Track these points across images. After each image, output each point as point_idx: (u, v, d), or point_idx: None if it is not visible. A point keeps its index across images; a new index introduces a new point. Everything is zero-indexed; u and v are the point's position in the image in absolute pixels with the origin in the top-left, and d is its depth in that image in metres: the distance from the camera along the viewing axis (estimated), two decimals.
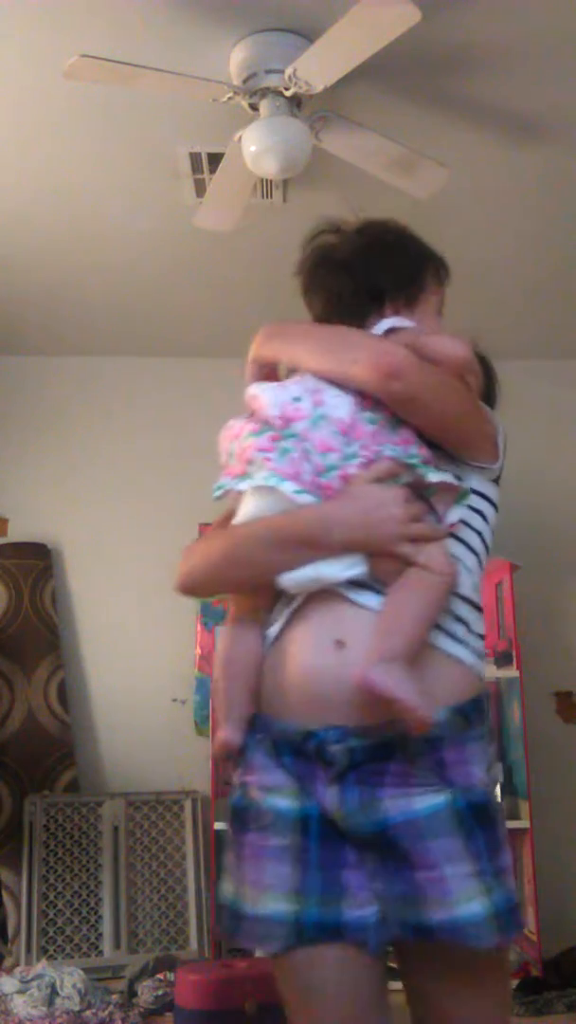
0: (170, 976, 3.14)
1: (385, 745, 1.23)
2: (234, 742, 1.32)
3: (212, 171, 3.07)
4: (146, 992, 3.12)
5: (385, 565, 1.27)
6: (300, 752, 1.26)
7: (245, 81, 2.65)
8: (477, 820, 1.22)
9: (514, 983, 3.30)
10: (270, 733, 1.30)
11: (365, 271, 1.47)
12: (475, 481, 1.44)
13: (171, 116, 2.94)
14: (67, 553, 4.29)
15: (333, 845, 1.25)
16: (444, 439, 1.39)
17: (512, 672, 3.75)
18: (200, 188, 3.24)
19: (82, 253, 3.71)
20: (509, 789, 3.73)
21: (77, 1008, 2.98)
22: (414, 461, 1.31)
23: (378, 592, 1.27)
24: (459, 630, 1.30)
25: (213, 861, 3.65)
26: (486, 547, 1.46)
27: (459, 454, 1.42)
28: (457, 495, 1.37)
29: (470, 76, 2.76)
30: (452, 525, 1.35)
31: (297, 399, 1.34)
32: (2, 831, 3.78)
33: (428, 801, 1.22)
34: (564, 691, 4.16)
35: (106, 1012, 2.95)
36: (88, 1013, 2.95)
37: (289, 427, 1.31)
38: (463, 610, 1.32)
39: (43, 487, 4.38)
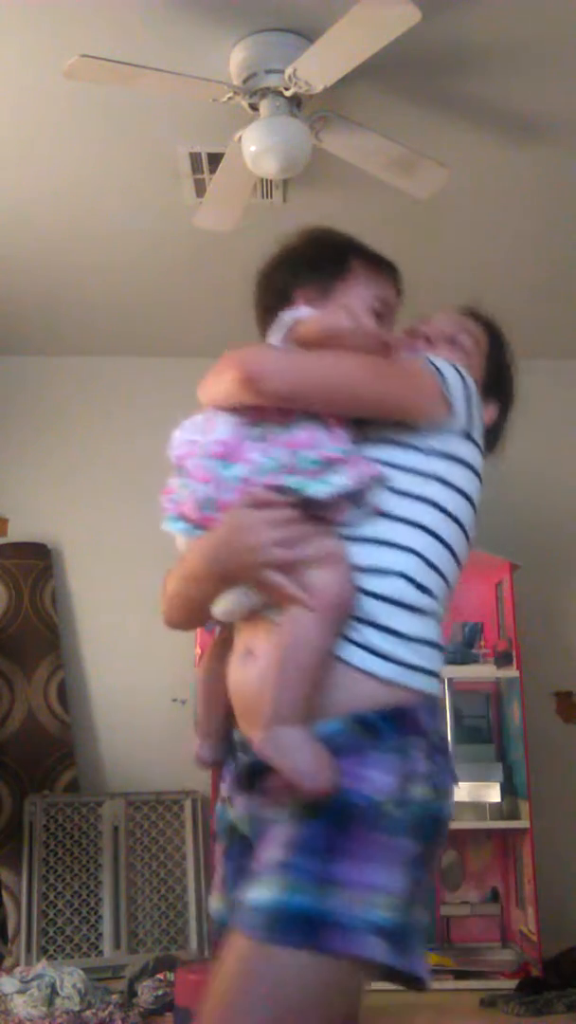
0: (170, 976, 3.14)
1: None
2: (203, 758, 1.35)
3: (212, 171, 3.07)
4: (146, 992, 3.12)
5: (269, 594, 1.20)
6: (234, 760, 1.30)
7: (245, 81, 2.65)
8: (325, 817, 1.11)
9: (514, 983, 3.32)
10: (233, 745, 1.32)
11: (274, 273, 1.47)
12: (437, 441, 1.30)
13: (171, 116, 2.94)
14: (67, 553, 4.29)
15: (248, 848, 1.24)
16: (370, 414, 1.30)
17: (512, 672, 3.75)
18: (200, 188, 3.24)
19: (82, 253, 3.71)
20: (509, 789, 3.73)
21: (77, 1008, 2.98)
22: (290, 483, 1.21)
23: None
24: (380, 641, 1.18)
25: (213, 861, 3.65)
26: (458, 523, 1.30)
27: (402, 421, 1.30)
28: (359, 502, 1.24)
29: (470, 76, 2.76)
30: (328, 549, 1.20)
31: (192, 435, 1.32)
32: (2, 831, 3.78)
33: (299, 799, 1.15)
34: (564, 691, 4.16)
35: (106, 1012, 2.95)
36: (88, 1013, 2.95)
37: (182, 465, 1.30)
38: (397, 619, 1.21)
39: (43, 487, 4.38)
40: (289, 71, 2.56)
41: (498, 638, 4.01)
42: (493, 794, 3.68)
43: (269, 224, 3.51)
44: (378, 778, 1.13)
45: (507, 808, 3.70)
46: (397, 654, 1.19)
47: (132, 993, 3.18)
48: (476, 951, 3.74)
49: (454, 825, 3.93)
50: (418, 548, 1.25)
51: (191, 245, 3.59)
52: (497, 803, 3.67)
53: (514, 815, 3.67)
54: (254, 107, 2.70)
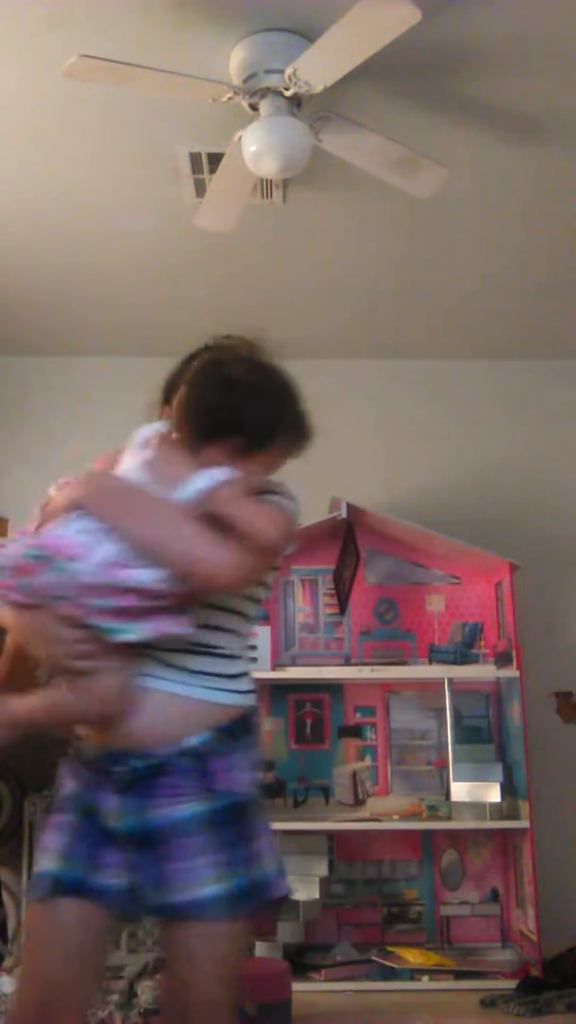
0: None
1: (159, 765, 1.50)
2: None
3: (212, 171, 3.07)
4: (146, 992, 3.12)
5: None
6: (101, 768, 1.56)
7: (245, 81, 2.65)
8: (230, 818, 1.50)
9: (514, 983, 3.31)
10: (79, 753, 1.63)
11: (213, 407, 1.57)
12: None
13: (171, 116, 2.94)
14: None
15: (103, 830, 1.53)
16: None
17: (512, 672, 3.75)
18: (200, 188, 3.24)
19: (82, 253, 3.71)
20: (509, 789, 3.73)
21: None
22: (95, 621, 1.47)
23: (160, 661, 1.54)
24: (213, 683, 1.54)
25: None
26: (244, 617, 1.62)
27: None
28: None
29: (470, 76, 2.76)
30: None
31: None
32: (2, 831, 3.78)
33: (191, 808, 1.49)
34: (564, 691, 4.16)
35: (106, 1012, 2.95)
36: (88, 1013, 2.95)
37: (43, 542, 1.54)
38: (224, 666, 1.56)
39: (43, 487, 4.36)
40: (289, 71, 2.56)
41: (498, 638, 4.02)
42: (493, 794, 3.68)
43: (269, 224, 3.52)
44: (243, 777, 1.54)
45: (507, 808, 3.69)
46: (228, 686, 1.56)
47: (132, 993, 3.17)
48: (476, 951, 3.75)
49: (454, 825, 3.92)
50: (230, 626, 1.59)
51: (191, 245, 3.59)
52: (497, 803, 3.67)
53: (514, 815, 3.67)
54: (254, 107, 2.69)
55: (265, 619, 3.95)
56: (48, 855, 1.57)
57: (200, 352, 1.72)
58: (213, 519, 1.48)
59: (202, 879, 1.46)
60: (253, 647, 1.71)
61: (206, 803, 1.49)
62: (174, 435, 1.60)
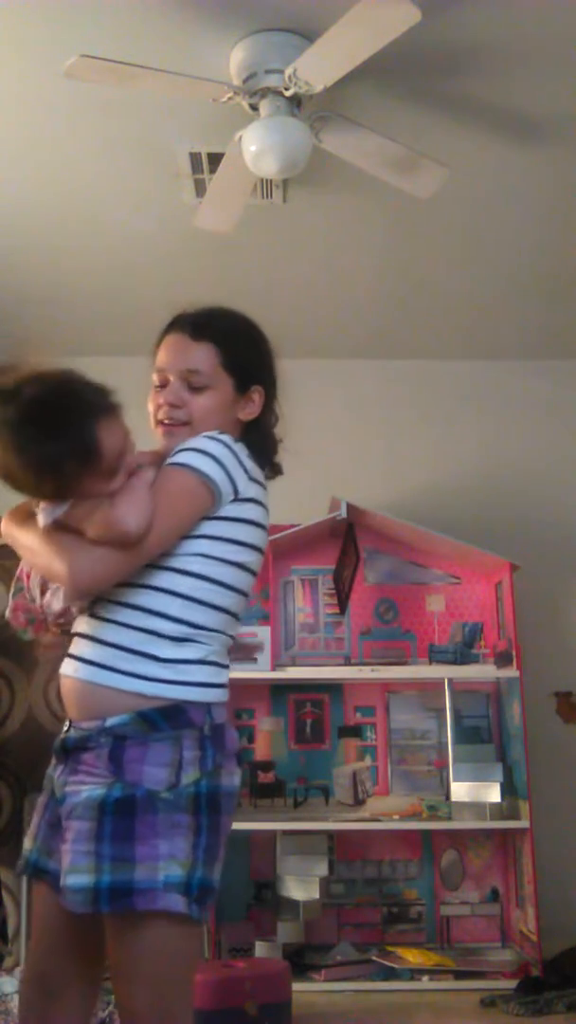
0: None
1: (84, 739, 1.51)
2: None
3: (212, 171, 3.07)
4: None
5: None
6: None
7: (245, 81, 2.65)
8: (116, 811, 1.44)
9: (514, 983, 3.31)
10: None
11: (11, 470, 1.47)
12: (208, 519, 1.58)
13: (171, 116, 2.94)
14: None
15: (59, 810, 1.54)
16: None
17: (512, 672, 3.75)
18: (200, 188, 3.24)
19: (82, 253, 3.72)
20: (509, 789, 3.73)
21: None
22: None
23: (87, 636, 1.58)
24: (142, 667, 1.51)
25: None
26: (231, 563, 1.59)
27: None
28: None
29: (470, 76, 2.76)
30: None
31: None
32: (2, 831, 3.78)
33: (91, 791, 1.47)
34: (564, 691, 4.16)
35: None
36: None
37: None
38: (156, 647, 1.52)
39: None
40: (289, 71, 2.56)
41: (498, 638, 4.02)
42: (493, 794, 3.68)
43: (269, 224, 3.52)
44: (153, 772, 1.46)
45: (507, 808, 3.69)
46: (156, 674, 1.51)
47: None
48: (476, 951, 3.75)
49: (454, 825, 3.92)
50: (181, 590, 1.54)
51: (191, 245, 3.59)
52: (497, 803, 3.67)
53: (514, 815, 3.66)
54: (254, 107, 2.70)
55: (265, 619, 3.96)
56: (28, 834, 1.63)
57: None
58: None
59: (73, 865, 1.44)
60: (228, 635, 1.61)
61: (105, 789, 1.46)
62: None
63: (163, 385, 1.69)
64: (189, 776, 1.48)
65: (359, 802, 3.82)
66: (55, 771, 1.59)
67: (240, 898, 3.83)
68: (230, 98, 2.66)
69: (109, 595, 1.55)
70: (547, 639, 4.19)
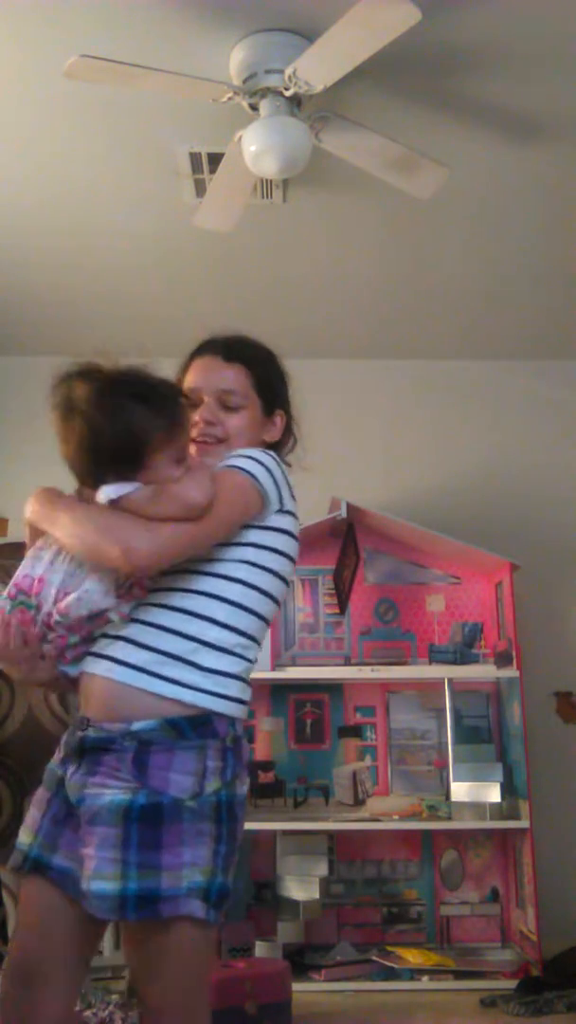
0: None
1: (106, 740, 1.50)
2: None
3: (212, 171, 3.07)
4: None
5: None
6: (72, 733, 1.59)
7: (245, 81, 2.65)
8: (143, 819, 1.45)
9: (514, 983, 3.32)
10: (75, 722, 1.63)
11: (94, 438, 1.52)
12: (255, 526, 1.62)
13: (171, 116, 2.94)
14: None
15: (68, 807, 1.55)
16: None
17: (512, 672, 3.75)
18: (200, 188, 3.24)
19: (82, 253, 3.72)
20: (509, 789, 3.73)
21: (77, 1008, 2.98)
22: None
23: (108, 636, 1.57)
24: (186, 675, 1.52)
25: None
26: (271, 572, 1.63)
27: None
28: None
29: (470, 76, 2.76)
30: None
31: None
32: (2, 831, 3.78)
33: (114, 796, 1.47)
34: (564, 691, 4.16)
35: (106, 1012, 2.95)
36: (88, 1013, 2.95)
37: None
38: (201, 656, 1.54)
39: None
40: (289, 71, 2.56)
41: (498, 638, 4.02)
42: (493, 794, 3.68)
43: (269, 224, 3.52)
44: (180, 780, 1.47)
45: (507, 808, 3.69)
46: (197, 683, 1.52)
47: (132, 993, 3.18)
48: (476, 951, 3.75)
49: (454, 825, 3.92)
50: (229, 596, 1.57)
51: (191, 245, 3.59)
52: (497, 803, 3.67)
53: (514, 815, 3.66)
54: (254, 107, 2.69)
55: None
56: (24, 827, 1.61)
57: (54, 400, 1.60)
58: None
59: (98, 872, 1.44)
60: (250, 660, 1.63)
61: (130, 795, 1.46)
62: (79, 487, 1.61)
63: (194, 405, 1.74)
64: (211, 785, 1.50)
65: (359, 802, 3.82)
66: (66, 770, 1.56)
67: (240, 898, 3.83)
68: (230, 98, 2.66)
69: (152, 599, 1.56)
70: (547, 639, 4.19)
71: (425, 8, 2.31)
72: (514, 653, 3.75)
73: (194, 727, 1.51)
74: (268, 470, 1.62)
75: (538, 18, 2.54)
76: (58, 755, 1.62)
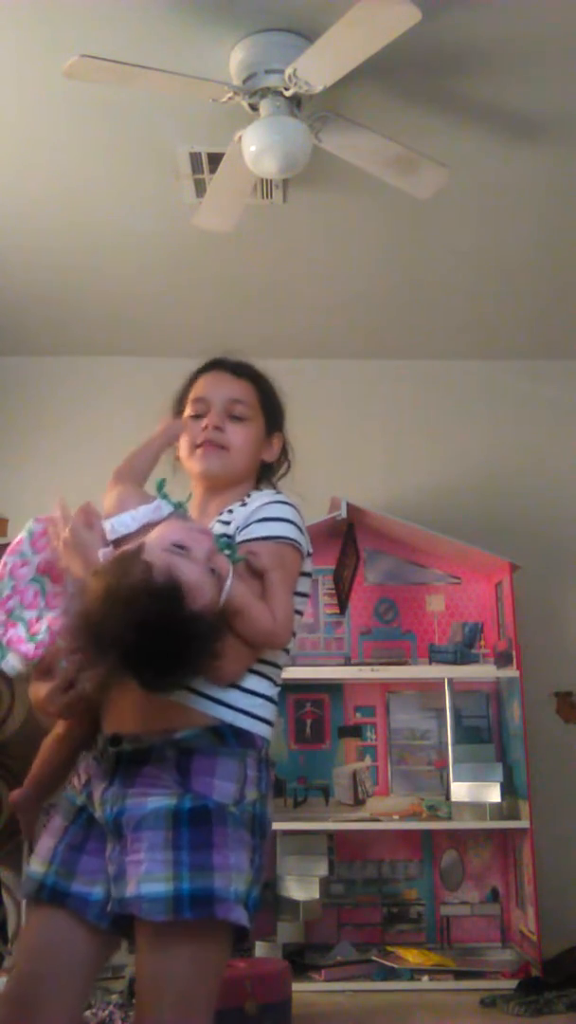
0: None
1: (145, 751, 1.49)
2: (15, 799, 1.80)
3: (212, 171, 3.07)
4: None
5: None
6: (100, 754, 1.57)
7: (245, 81, 2.65)
8: (192, 820, 1.44)
9: (514, 983, 3.32)
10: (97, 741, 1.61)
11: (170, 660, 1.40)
12: None
13: (171, 116, 2.94)
14: None
15: (85, 833, 1.56)
16: None
17: (512, 672, 3.75)
18: (200, 188, 3.24)
19: (82, 253, 3.72)
20: (509, 789, 3.73)
21: None
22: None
23: None
24: (226, 695, 1.54)
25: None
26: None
27: None
28: None
29: (470, 76, 2.76)
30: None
31: None
32: (2, 831, 3.78)
33: (158, 801, 1.46)
34: (564, 691, 4.16)
35: (106, 1012, 2.95)
36: (88, 1013, 2.95)
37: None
38: (250, 683, 1.57)
39: (43, 487, 4.37)
40: (289, 71, 2.56)
41: (498, 638, 4.02)
42: (493, 794, 3.68)
43: (269, 224, 3.52)
44: (224, 786, 1.48)
45: (507, 808, 3.69)
46: (237, 702, 1.55)
47: (132, 993, 3.17)
48: (476, 951, 3.75)
49: (454, 825, 3.92)
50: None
51: (191, 245, 3.59)
52: (497, 803, 3.67)
53: (514, 815, 3.66)
54: (254, 107, 2.69)
55: None
56: (37, 857, 1.60)
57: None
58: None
59: (149, 874, 1.42)
60: (279, 684, 1.65)
61: (175, 799, 1.45)
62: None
63: (200, 415, 1.78)
64: (251, 795, 1.51)
65: (359, 802, 3.82)
66: (89, 793, 1.56)
67: None
68: (230, 98, 2.66)
69: None
70: (547, 639, 4.19)
71: (425, 8, 2.31)
72: (514, 653, 3.75)
73: (236, 735, 1.53)
74: (299, 528, 1.68)
75: (538, 18, 2.54)
76: (77, 782, 1.61)
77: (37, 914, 1.57)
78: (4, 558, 1.58)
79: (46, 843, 1.59)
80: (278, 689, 1.64)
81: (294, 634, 1.67)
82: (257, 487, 1.79)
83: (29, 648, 1.52)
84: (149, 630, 1.33)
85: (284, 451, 1.86)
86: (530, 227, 3.56)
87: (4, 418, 4.48)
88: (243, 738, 1.53)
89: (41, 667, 1.56)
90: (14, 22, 2.55)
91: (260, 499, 1.68)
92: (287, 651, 1.66)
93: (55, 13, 2.51)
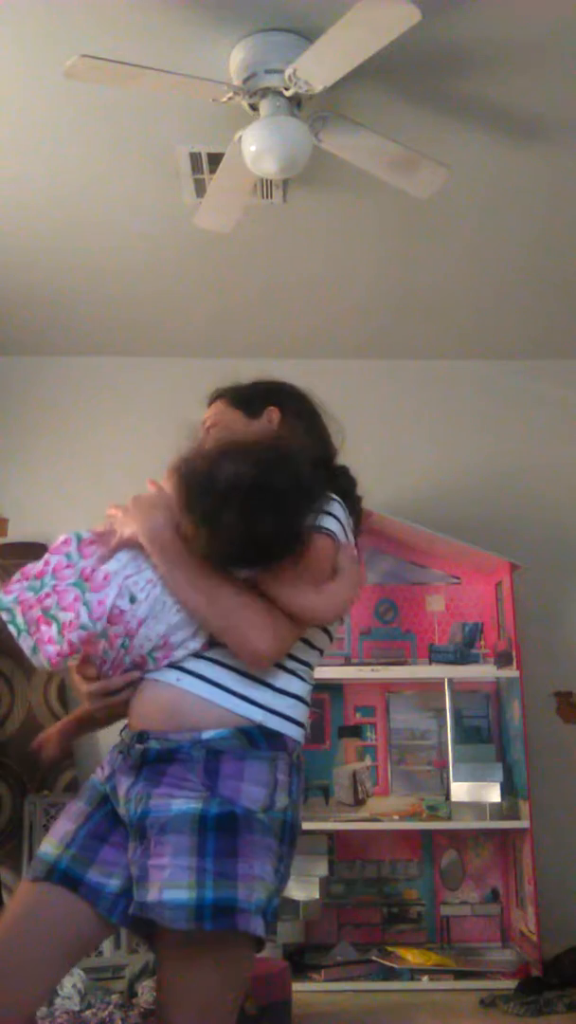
0: None
1: (172, 750, 1.48)
2: (40, 742, 1.82)
3: (212, 171, 3.07)
4: (146, 992, 3.12)
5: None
6: (126, 749, 1.55)
7: (245, 81, 2.65)
8: (219, 827, 1.42)
9: (514, 983, 3.32)
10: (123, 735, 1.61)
11: (254, 520, 1.43)
12: None
13: (171, 116, 2.94)
14: None
15: (110, 823, 1.54)
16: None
17: (512, 672, 3.75)
18: (200, 188, 3.24)
19: (82, 253, 3.72)
20: (509, 789, 3.73)
21: (77, 1008, 2.98)
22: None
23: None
24: (258, 694, 1.54)
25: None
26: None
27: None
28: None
29: (470, 76, 2.76)
30: None
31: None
32: (2, 831, 3.78)
33: (184, 804, 1.44)
34: (564, 691, 4.16)
35: (106, 1012, 2.95)
36: (88, 1013, 2.95)
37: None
38: (273, 676, 1.56)
39: (43, 487, 4.38)
40: (289, 71, 2.56)
41: (498, 638, 4.02)
42: (493, 794, 3.68)
43: (269, 224, 3.52)
44: (252, 791, 1.46)
45: (507, 808, 3.70)
46: (269, 703, 1.54)
47: (132, 993, 3.18)
48: (476, 951, 3.75)
49: (454, 825, 3.92)
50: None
51: (191, 245, 3.59)
52: (497, 803, 3.67)
53: (514, 815, 3.67)
54: (254, 107, 2.69)
55: None
56: (51, 839, 1.57)
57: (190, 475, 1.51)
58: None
59: (172, 880, 1.40)
60: (311, 684, 1.65)
61: (201, 804, 1.43)
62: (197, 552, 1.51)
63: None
64: (281, 801, 1.49)
65: (359, 802, 3.82)
66: (115, 786, 1.55)
67: None
68: (230, 98, 2.66)
69: None
70: (547, 639, 4.19)
71: (425, 8, 2.31)
72: (514, 653, 3.75)
73: (266, 737, 1.51)
74: (340, 522, 1.67)
75: (538, 18, 2.54)
76: (103, 772, 1.60)
77: (39, 891, 1.52)
78: (48, 555, 1.55)
79: (64, 826, 1.57)
80: (310, 688, 1.63)
81: (331, 637, 1.68)
82: None
83: (54, 651, 1.50)
84: (261, 486, 1.42)
85: (305, 426, 1.83)
86: (530, 227, 3.56)
87: (4, 418, 4.48)
88: (273, 740, 1.51)
89: (81, 667, 1.55)
90: (14, 22, 2.55)
91: None
92: (320, 652, 1.64)
93: (55, 13, 2.51)
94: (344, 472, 1.83)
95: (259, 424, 1.79)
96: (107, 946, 3.61)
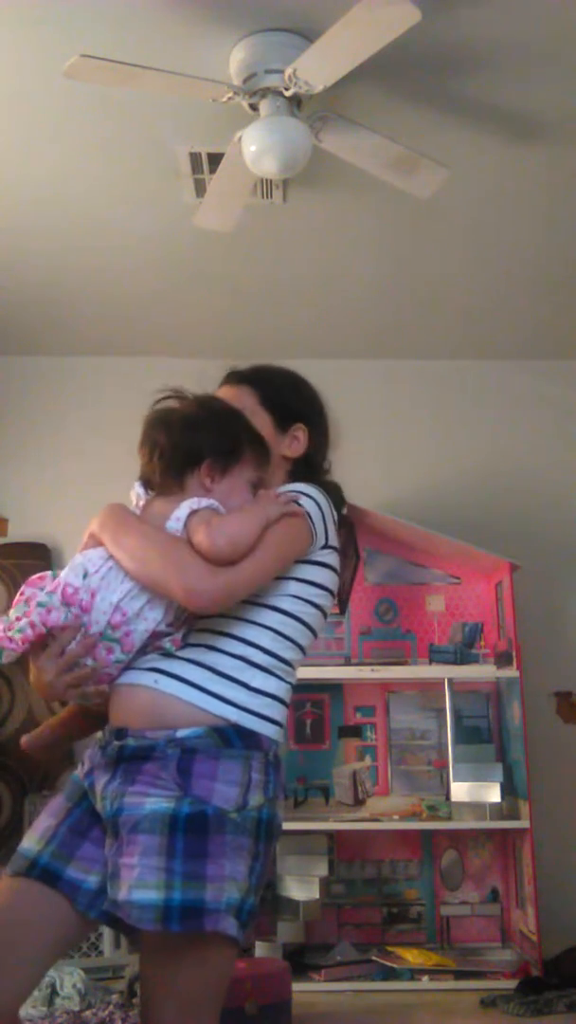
0: None
1: (148, 748, 1.49)
2: (26, 741, 1.88)
3: (212, 171, 3.07)
4: None
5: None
6: (105, 745, 1.57)
7: (245, 81, 2.65)
8: (189, 828, 1.43)
9: (514, 983, 3.32)
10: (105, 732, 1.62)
11: (189, 432, 1.64)
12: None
13: (171, 116, 2.94)
14: (67, 553, 4.28)
15: (90, 819, 1.55)
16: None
17: (512, 672, 3.75)
18: (200, 188, 3.24)
19: (82, 253, 3.72)
20: (509, 789, 3.73)
21: (77, 1008, 2.98)
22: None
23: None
24: (229, 692, 1.54)
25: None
26: (311, 604, 1.66)
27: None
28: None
29: (470, 76, 2.76)
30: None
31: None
32: (2, 831, 3.78)
33: (156, 804, 1.45)
34: (564, 691, 4.16)
35: (106, 1012, 2.95)
36: (88, 1013, 2.95)
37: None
38: (250, 675, 1.56)
39: (43, 487, 4.38)
40: (289, 71, 2.56)
41: (498, 638, 4.02)
42: (493, 794, 3.68)
43: (269, 224, 3.52)
44: (225, 790, 1.46)
45: (507, 808, 3.70)
46: (244, 702, 1.54)
47: (132, 993, 3.18)
48: (476, 951, 3.75)
49: (454, 825, 3.92)
50: (273, 625, 1.60)
51: (191, 245, 3.59)
52: (497, 803, 3.67)
53: (514, 815, 3.67)
54: (254, 107, 2.69)
55: None
56: (32, 834, 1.58)
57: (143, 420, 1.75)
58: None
59: (141, 880, 1.41)
60: (291, 683, 1.64)
61: (173, 803, 1.44)
62: (155, 487, 1.67)
63: None
64: (255, 800, 1.49)
65: (359, 802, 3.82)
66: (93, 782, 1.55)
67: None
68: (230, 98, 2.66)
69: (202, 624, 1.59)
70: (547, 639, 4.19)
71: (425, 8, 2.31)
72: (514, 653, 3.75)
73: (241, 736, 1.51)
74: (318, 506, 1.65)
75: (538, 18, 2.54)
76: (82, 768, 1.61)
77: (17, 885, 1.52)
78: (26, 588, 1.59)
79: (45, 821, 1.58)
80: (288, 687, 1.62)
81: (314, 634, 1.67)
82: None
83: (17, 634, 1.51)
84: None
85: (320, 443, 1.82)
86: (530, 227, 3.56)
87: (4, 418, 4.48)
88: (248, 739, 1.52)
89: (36, 648, 1.54)
90: (14, 22, 2.55)
91: (283, 489, 1.69)
92: (302, 649, 1.65)
93: (55, 13, 2.51)
94: (336, 489, 1.81)
95: (284, 441, 1.80)
96: (107, 946, 3.61)
